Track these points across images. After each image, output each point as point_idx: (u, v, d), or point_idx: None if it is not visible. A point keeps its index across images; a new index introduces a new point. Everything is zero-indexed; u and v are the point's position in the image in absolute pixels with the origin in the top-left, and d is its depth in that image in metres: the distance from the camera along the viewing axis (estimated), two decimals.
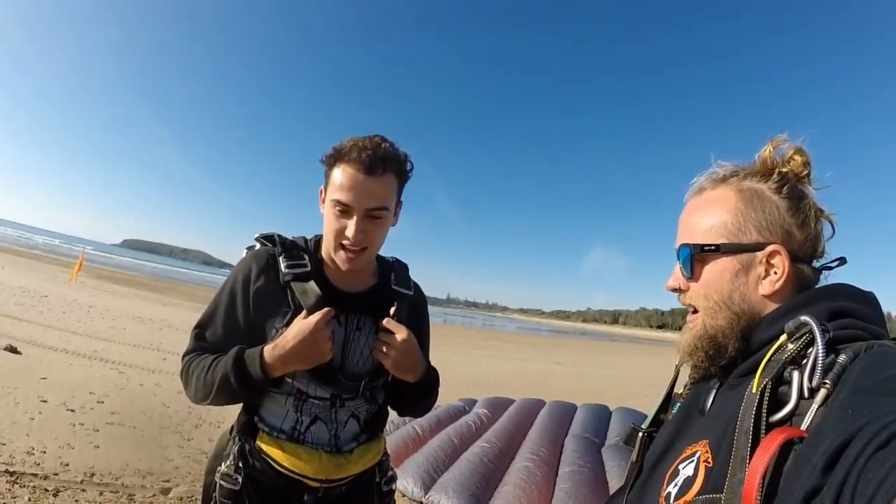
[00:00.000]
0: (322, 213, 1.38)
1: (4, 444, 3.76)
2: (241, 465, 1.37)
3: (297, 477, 1.36)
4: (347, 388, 1.39)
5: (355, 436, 1.45)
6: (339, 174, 1.30)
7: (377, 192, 1.30)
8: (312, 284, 1.36)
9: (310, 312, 1.30)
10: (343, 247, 1.32)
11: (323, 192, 1.38)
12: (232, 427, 1.46)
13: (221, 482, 1.37)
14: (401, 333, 1.35)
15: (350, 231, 1.29)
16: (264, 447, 1.37)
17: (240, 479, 1.36)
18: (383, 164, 1.29)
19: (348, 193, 1.28)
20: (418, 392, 1.46)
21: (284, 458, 1.35)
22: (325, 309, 1.29)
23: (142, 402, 5.53)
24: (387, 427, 1.55)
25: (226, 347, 1.36)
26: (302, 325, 1.28)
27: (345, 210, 1.30)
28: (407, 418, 5.06)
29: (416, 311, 1.54)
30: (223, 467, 1.38)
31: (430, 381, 1.47)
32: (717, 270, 0.85)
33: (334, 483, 1.40)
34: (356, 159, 1.27)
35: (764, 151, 0.88)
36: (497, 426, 5.04)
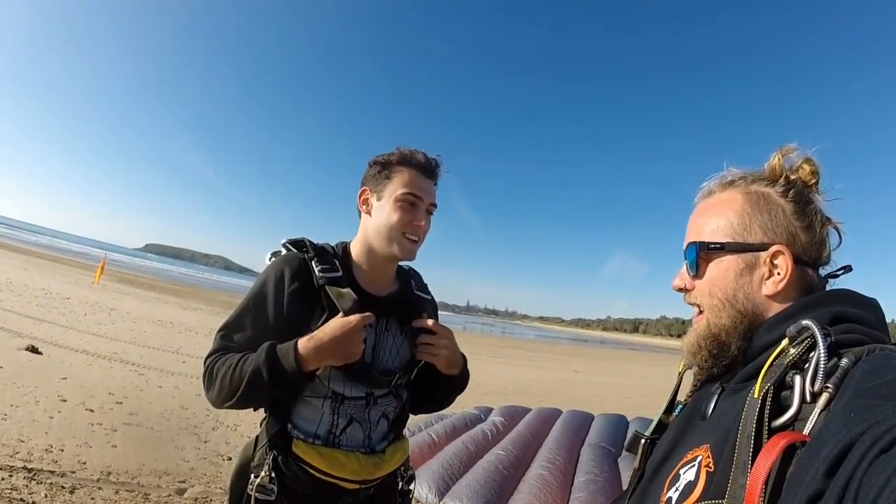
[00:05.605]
0: (367, 212, 1.48)
1: (23, 442, 3.82)
2: (274, 475, 1.36)
3: (334, 481, 1.37)
4: (381, 383, 1.45)
5: (385, 435, 1.50)
6: (405, 175, 1.44)
7: (434, 193, 1.49)
8: (348, 289, 1.41)
9: (346, 315, 1.33)
10: (405, 237, 1.43)
11: (368, 193, 1.48)
12: (257, 438, 1.45)
13: (256, 494, 1.34)
14: (445, 333, 1.46)
15: (421, 220, 1.44)
16: (301, 454, 1.36)
17: (275, 490, 1.35)
18: (437, 171, 1.50)
19: (420, 189, 1.44)
20: (457, 383, 1.57)
21: (323, 462, 1.36)
22: (368, 313, 1.35)
23: (160, 403, 5.59)
24: (404, 432, 1.61)
25: (254, 348, 1.34)
26: (342, 321, 1.31)
27: (415, 203, 1.43)
28: (423, 425, 5.05)
29: (435, 315, 1.63)
30: (257, 479, 1.36)
31: (467, 371, 1.59)
32: (722, 269, 0.87)
33: (370, 483, 1.42)
34: (422, 164, 1.46)
35: (773, 159, 0.90)
36: (513, 434, 4.99)
